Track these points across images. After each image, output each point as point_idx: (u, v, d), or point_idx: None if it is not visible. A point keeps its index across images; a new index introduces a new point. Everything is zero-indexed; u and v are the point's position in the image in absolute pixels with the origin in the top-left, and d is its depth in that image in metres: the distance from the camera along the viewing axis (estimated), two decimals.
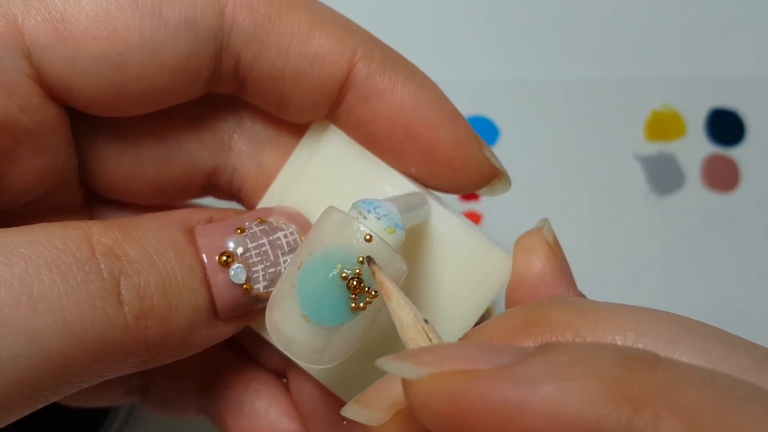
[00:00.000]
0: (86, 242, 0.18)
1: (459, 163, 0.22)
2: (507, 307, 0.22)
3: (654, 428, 0.13)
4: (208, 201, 0.27)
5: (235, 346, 0.26)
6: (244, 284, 0.21)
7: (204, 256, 0.20)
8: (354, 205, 0.19)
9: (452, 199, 0.37)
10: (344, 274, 0.18)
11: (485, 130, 0.39)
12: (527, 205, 0.37)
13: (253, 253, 0.21)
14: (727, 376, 0.14)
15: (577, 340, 0.16)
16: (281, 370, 0.25)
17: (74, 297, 0.17)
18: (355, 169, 0.23)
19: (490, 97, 0.39)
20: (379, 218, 0.18)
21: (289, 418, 0.25)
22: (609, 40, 0.40)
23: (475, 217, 0.38)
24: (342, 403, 0.23)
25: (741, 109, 0.39)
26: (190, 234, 0.21)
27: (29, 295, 0.17)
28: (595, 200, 0.38)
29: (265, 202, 0.24)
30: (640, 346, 0.15)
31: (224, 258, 0.21)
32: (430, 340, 0.17)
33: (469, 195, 0.37)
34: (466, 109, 0.38)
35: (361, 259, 0.18)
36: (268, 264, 0.21)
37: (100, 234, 0.19)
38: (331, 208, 0.19)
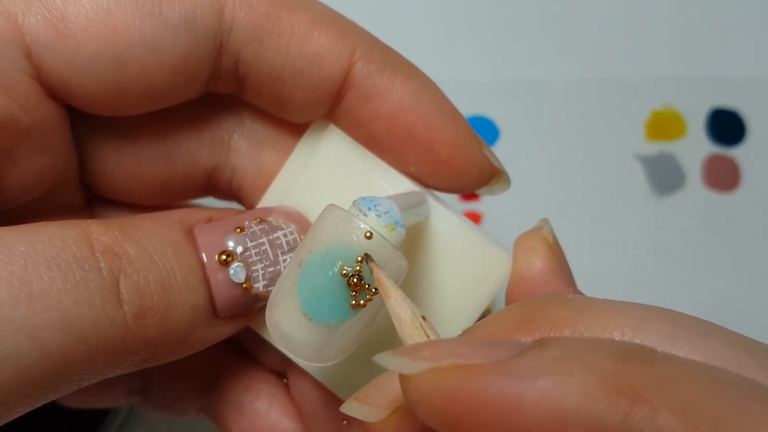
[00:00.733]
0: (86, 241, 0.18)
1: (458, 162, 0.22)
2: (507, 305, 0.22)
3: (651, 422, 0.13)
4: (208, 201, 0.27)
5: (235, 346, 0.26)
6: (243, 283, 0.21)
7: (203, 255, 0.20)
8: (354, 203, 0.19)
9: (452, 198, 0.37)
10: (345, 272, 0.18)
11: (485, 130, 0.39)
12: (527, 204, 0.37)
13: (252, 252, 0.21)
14: (724, 370, 0.14)
15: (575, 336, 0.16)
16: (281, 370, 0.25)
17: (73, 295, 0.17)
18: (354, 169, 0.23)
19: (490, 97, 0.39)
20: (379, 215, 0.18)
21: (289, 418, 0.25)
22: (609, 40, 0.40)
23: (475, 217, 0.38)
24: (341, 403, 0.23)
25: (741, 109, 0.39)
26: (190, 233, 0.21)
27: (28, 292, 0.17)
28: (595, 200, 0.38)
29: (265, 201, 0.24)
30: (638, 341, 0.15)
31: (224, 257, 0.21)
32: (428, 336, 0.17)
33: (469, 194, 0.37)
34: (466, 109, 0.38)
35: (360, 258, 0.18)
36: (267, 263, 0.21)
37: (100, 233, 0.19)
38: (331, 206, 0.19)
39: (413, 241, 0.22)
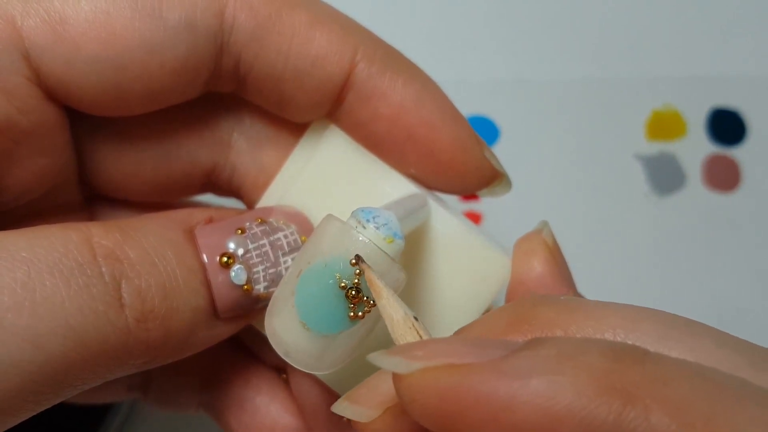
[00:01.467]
0: (87, 245, 0.18)
1: (459, 164, 0.22)
2: None
3: (643, 421, 0.13)
4: (208, 198, 0.27)
5: (235, 342, 0.26)
6: (244, 285, 0.21)
7: (204, 256, 0.20)
8: (353, 214, 0.19)
9: (452, 199, 0.37)
10: (343, 284, 0.18)
11: (485, 130, 0.39)
12: (527, 204, 0.37)
13: (253, 253, 0.21)
14: (716, 370, 0.14)
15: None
16: (282, 366, 0.26)
17: (76, 301, 0.17)
18: (355, 169, 0.23)
19: (490, 97, 0.39)
20: (378, 227, 0.18)
21: (290, 414, 0.25)
22: (609, 40, 0.40)
23: (475, 217, 0.38)
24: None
25: (742, 109, 0.39)
26: (191, 235, 0.21)
27: (32, 299, 0.17)
28: (595, 200, 0.38)
29: (265, 200, 0.24)
30: (630, 342, 0.15)
31: (225, 259, 0.21)
32: (420, 336, 0.17)
33: (470, 195, 0.37)
34: (466, 109, 0.38)
35: (357, 271, 0.18)
36: (268, 264, 0.21)
37: (101, 236, 0.19)
38: (329, 217, 0.19)
39: (413, 244, 0.22)
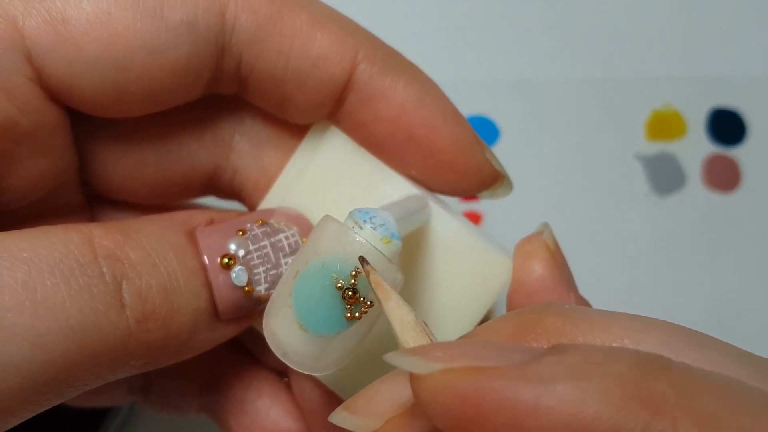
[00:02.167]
0: (88, 246, 0.18)
1: (460, 165, 0.22)
2: (508, 311, 0.22)
3: None
4: (210, 200, 0.27)
5: (236, 345, 0.26)
6: (245, 286, 0.21)
7: (205, 258, 0.20)
8: (350, 215, 0.19)
9: (452, 199, 0.37)
10: (339, 285, 0.18)
11: (485, 130, 0.39)
12: (527, 205, 0.37)
13: (254, 255, 0.21)
14: (742, 382, 0.14)
15: None
16: (283, 368, 0.26)
17: (77, 301, 0.17)
18: (356, 171, 0.23)
19: (490, 97, 0.39)
20: (375, 228, 0.18)
21: (291, 416, 0.25)
22: (609, 40, 0.40)
23: (475, 217, 0.38)
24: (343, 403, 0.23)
25: (742, 109, 0.39)
26: (192, 236, 0.21)
27: (33, 299, 0.17)
28: (595, 200, 0.38)
29: (267, 202, 0.24)
30: None
31: (226, 260, 0.21)
32: (431, 340, 0.17)
33: (470, 196, 0.37)
34: (466, 109, 0.38)
35: (354, 271, 0.18)
36: (269, 266, 0.21)
37: (102, 237, 0.19)
38: (327, 218, 0.19)
39: (414, 245, 0.22)
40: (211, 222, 0.22)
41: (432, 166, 0.22)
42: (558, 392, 0.13)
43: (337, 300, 0.18)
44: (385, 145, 0.22)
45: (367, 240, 0.18)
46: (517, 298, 0.21)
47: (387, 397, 0.16)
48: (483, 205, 0.38)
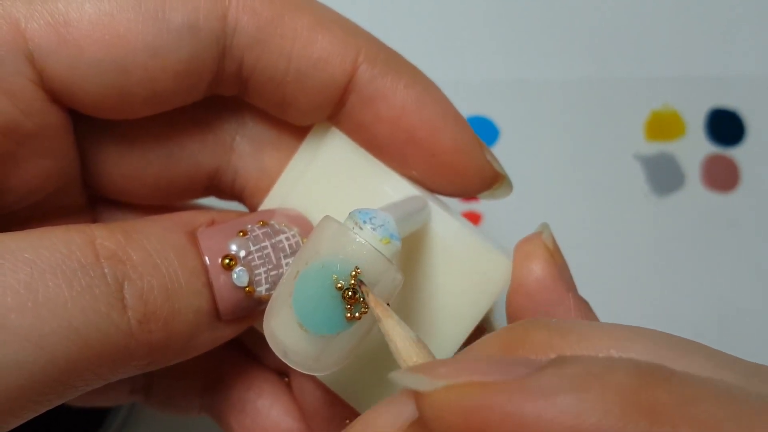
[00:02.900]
0: (90, 247, 0.18)
1: (460, 166, 0.22)
2: (507, 311, 0.22)
3: None
4: (211, 201, 0.27)
5: (237, 345, 0.26)
6: (246, 287, 0.21)
7: (207, 259, 0.20)
8: (350, 215, 0.19)
9: (452, 199, 0.37)
10: (339, 285, 0.18)
11: (485, 130, 0.39)
12: (527, 205, 0.37)
13: (255, 256, 0.21)
14: (742, 389, 0.14)
15: None
16: (283, 368, 0.26)
17: (79, 302, 0.17)
18: (356, 172, 0.23)
19: (490, 97, 0.39)
20: (374, 228, 0.18)
21: (291, 416, 0.25)
22: (609, 40, 0.40)
23: (474, 218, 0.38)
24: (343, 402, 0.23)
25: (741, 109, 0.39)
26: (193, 237, 0.21)
27: (35, 300, 0.17)
28: (595, 200, 0.38)
29: (267, 203, 0.24)
30: None
31: (227, 261, 0.21)
32: (431, 357, 0.17)
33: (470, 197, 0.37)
34: (466, 109, 0.38)
35: (354, 272, 0.18)
36: (270, 267, 0.21)
37: (104, 238, 0.19)
38: (327, 218, 0.19)
39: (413, 246, 0.22)
40: (212, 223, 0.22)
41: (432, 167, 0.22)
42: (559, 404, 0.13)
43: (337, 300, 0.18)
44: (385, 146, 0.22)
45: (367, 240, 0.18)
46: (516, 299, 0.21)
47: (386, 421, 0.16)
48: (483, 205, 0.38)
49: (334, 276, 0.18)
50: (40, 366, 0.17)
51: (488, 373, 0.14)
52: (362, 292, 0.18)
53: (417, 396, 0.15)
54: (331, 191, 0.23)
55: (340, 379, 0.23)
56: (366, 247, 0.18)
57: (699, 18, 0.40)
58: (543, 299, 0.21)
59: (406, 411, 0.16)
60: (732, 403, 0.13)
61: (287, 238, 0.22)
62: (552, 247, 0.21)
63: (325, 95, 0.21)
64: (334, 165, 0.23)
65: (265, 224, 0.22)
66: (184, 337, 0.20)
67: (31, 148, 0.20)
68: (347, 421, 0.24)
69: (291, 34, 0.21)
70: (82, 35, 0.19)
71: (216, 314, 0.21)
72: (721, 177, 0.39)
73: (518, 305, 0.21)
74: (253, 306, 0.21)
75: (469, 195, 0.23)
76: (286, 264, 0.21)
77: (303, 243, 0.22)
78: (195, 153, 0.23)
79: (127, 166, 0.23)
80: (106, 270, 0.18)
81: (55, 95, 0.20)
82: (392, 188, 0.22)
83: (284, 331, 0.18)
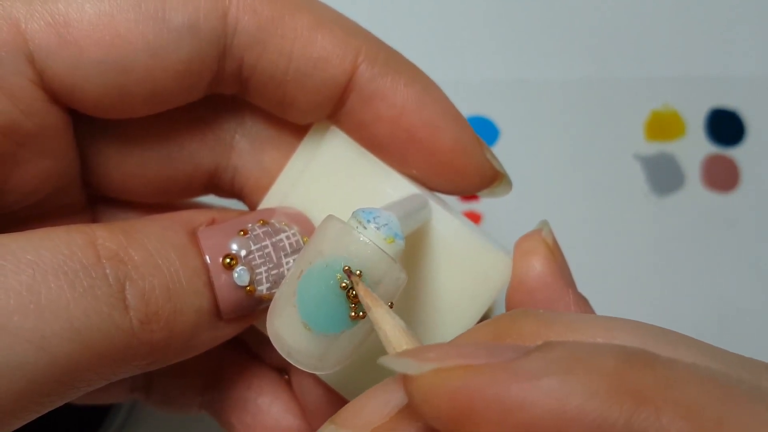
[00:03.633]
0: (92, 247, 0.18)
1: (460, 165, 0.22)
2: (507, 308, 0.22)
3: (655, 423, 0.13)
4: (210, 199, 0.27)
5: (238, 343, 0.26)
6: (247, 286, 0.21)
7: (207, 258, 0.21)
8: (353, 215, 0.19)
9: (452, 199, 0.37)
10: (344, 284, 0.18)
11: (485, 130, 0.39)
12: (527, 204, 0.37)
13: (256, 255, 0.21)
14: (726, 373, 0.14)
15: None
16: (284, 366, 0.26)
17: (81, 303, 0.18)
18: (356, 171, 0.23)
19: (490, 97, 0.39)
20: (378, 228, 0.18)
21: (292, 414, 0.25)
22: (609, 40, 0.40)
23: (475, 217, 0.38)
24: (343, 400, 0.23)
25: (741, 109, 0.39)
26: (194, 236, 0.21)
27: (37, 302, 0.17)
28: (595, 200, 0.38)
29: (267, 202, 0.24)
30: None
31: (227, 260, 0.21)
32: (420, 343, 0.17)
33: (470, 195, 0.37)
34: (466, 109, 0.38)
35: (359, 272, 0.18)
36: (271, 266, 0.21)
37: (105, 238, 0.19)
38: (330, 217, 0.19)
39: (414, 244, 0.22)
40: (213, 222, 0.22)
41: (433, 166, 0.22)
42: (544, 386, 0.13)
43: (342, 299, 0.18)
44: (385, 145, 0.22)
45: (371, 240, 0.18)
46: (516, 296, 0.21)
47: (374, 407, 0.17)
48: (483, 204, 0.38)
49: (338, 275, 0.18)
50: (43, 368, 0.17)
51: (475, 356, 0.14)
52: (353, 282, 0.18)
53: (405, 379, 0.15)
54: (331, 190, 0.23)
55: (341, 377, 0.23)
56: (370, 246, 0.18)
57: (699, 18, 0.40)
58: (543, 296, 0.21)
59: (395, 397, 0.16)
60: (715, 387, 0.13)
61: (287, 237, 0.22)
62: (552, 244, 0.21)
63: (325, 95, 0.21)
64: (333, 163, 0.23)
65: (265, 223, 0.22)
66: (186, 336, 0.20)
67: (32, 149, 0.20)
68: None
69: (291, 34, 0.21)
70: (82, 35, 0.19)
71: (217, 313, 0.21)
72: (721, 177, 0.39)
73: (518, 302, 0.21)
74: (253, 305, 0.21)
75: (468, 193, 0.23)
76: (287, 263, 0.21)
77: (303, 242, 0.22)
78: (194, 151, 0.23)
79: (126, 164, 0.23)
80: (107, 270, 0.18)
81: (55, 95, 0.20)
82: (392, 187, 0.23)
83: (288, 331, 0.18)
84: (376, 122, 0.22)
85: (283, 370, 0.26)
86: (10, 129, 0.20)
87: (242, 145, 0.24)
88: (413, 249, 0.22)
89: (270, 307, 0.19)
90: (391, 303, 0.19)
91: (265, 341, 0.25)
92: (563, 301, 0.21)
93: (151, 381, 0.26)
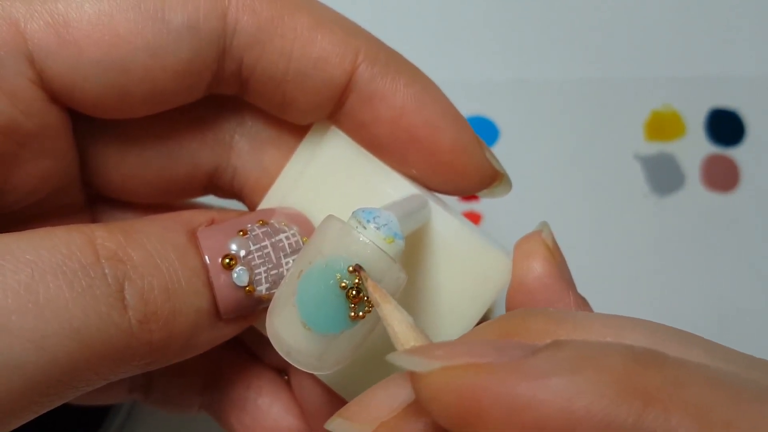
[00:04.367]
0: (90, 247, 0.18)
1: (460, 165, 0.22)
2: (507, 310, 0.22)
3: (664, 423, 0.13)
4: (210, 199, 0.27)
5: (237, 343, 0.26)
6: (246, 286, 0.21)
7: (207, 258, 0.21)
8: (353, 215, 0.19)
9: (452, 199, 0.37)
10: (343, 284, 0.18)
11: (485, 130, 0.39)
12: (527, 205, 0.37)
13: (255, 255, 0.21)
14: (736, 374, 0.14)
15: None
16: (283, 366, 0.26)
17: (80, 303, 0.18)
18: (355, 171, 0.23)
19: (490, 97, 0.39)
20: (378, 228, 0.18)
21: (291, 414, 0.25)
22: (609, 40, 0.40)
23: (474, 217, 0.38)
24: (343, 400, 0.23)
25: (741, 109, 0.39)
26: (193, 236, 0.21)
27: (36, 302, 0.17)
28: (595, 200, 0.38)
29: (267, 202, 0.24)
30: None
31: (227, 260, 0.21)
32: (430, 341, 0.17)
33: (469, 195, 0.37)
34: (466, 109, 0.38)
35: (351, 268, 0.18)
36: (270, 266, 0.21)
37: (104, 238, 0.19)
38: (330, 217, 0.19)
39: (414, 245, 0.22)
40: (212, 222, 0.22)
41: (432, 166, 0.22)
42: (552, 386, 0.13)
43: (341, 299, 0.18)
44: (385, 146, 0.22)
45: (371, 240, 0.18)
46: (516, 297, 0.21)
47: (381, 402, 0.17)
48: (483, 205, 0.38)
49: (338, 275, 0.18)
50: (42, 367, 0.17)
51: (484, 355, 0.14)
52: (361, 278, 0.18)
53: (413, 377, 0.15)
54: (331, 190, 0.23)
55: (340, 378, 0.23)
56: (370, 246, 0.18)
57: (699, 18, 0.40)
58: (543, 297, 0.21)
59: (402, 393, 0.16)
60: (724, 389, 0.13)
61: (287, 237, 0.22)
62: (552, 245, 0.21)
63: (324, 95, 0.21)
64: (333, 164, 0.23)
65: (264, 223, 0.22)
66: (185, 336, 0.20)
67: (31, 149, 0.20)
68: None
69: (291, 34, 0.21)
70: (81, 35, 0.19)
71: (216, 313, 0.21)
72: (721, 177, 0.39)
73: (518, 303, 0.21)
74: (253, 305, 0.21)
75: (468, 193, 0.23)
76: (286, 263, 0.21)
77: (303, 242, 0.22)
78: (194, 152, 0.23)
79: (126, 164, 0.23)
80: (106, 270, 0.18)
81: (54, 95, 0.20)
82: (392, 187, 0.22)
83: (288, 331, 0.18)
84: (376, 122, 0.22)
85: (282, 370, 0.26)
86: (10, 129, 0.20)
87: (242, 146, 0.24)
88: (413, 249, 0.22)
89: (270, 306, 0.19)
90: None
91: (265, 341, 0.25)
92: (563, 303, 0.21)
93: (151, 381, 0.26)
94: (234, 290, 0.21)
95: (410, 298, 0.23)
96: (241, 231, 0.21)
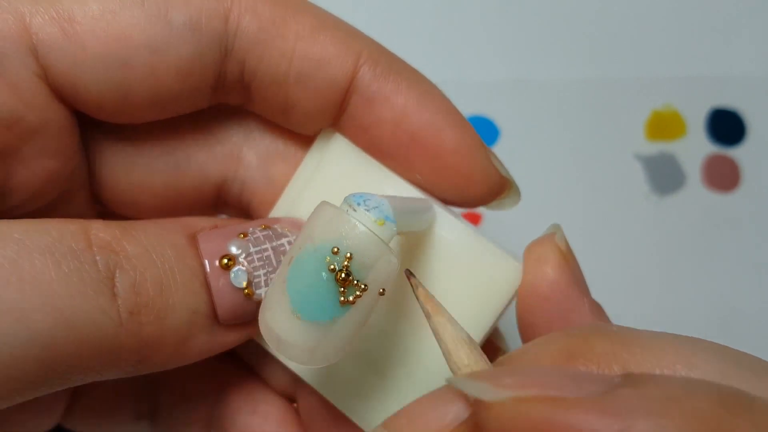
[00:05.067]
0: (83, 235, 0.18)
1: (465, 168, 0.22)
2: (519, 316, 0.21)
3: None
4: None
5: (243, 368, 0.26)
6: (245, 288, 0.21)
7: (205, 261, 0.20)
8: (345, 199, 0.18)
9: None
10: (332, 267, 0.17)
11: (485, 130, 0.39)
12: (527, 205, 0.37)
13: (255, 257, 0.21)
14: None
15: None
16: (291, 393, 0.25)
17: (65, 282, 0.17)
18: (361, 177, 0.22)
19: (490, 97, 0.39)
20: (368, 210, 0.18)
21: None
22: (609, 40, 0.40)
23: (474, 218, 0.38)
24: (352, 425, 0.22)
25: (741, 109, 0.39)
26: (193, 239, 0.21)
27: (19, 276, 0.17)
28: (595, 200, 0.38)
29: (274, 214, 0.24)
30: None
31: (225, 261, 0.20)
32: (486, 360, 0.16)
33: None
34: (466, 110, 0.38)
35: (349, 254, 0.17)
36: (270, 269, 0.21)
37: (99, 230, 0.19)
38: (323, 203, 0.18)
39: (420, 251, 0.22)
40: (215, 227, 0.22)
41: (436, 169, 0.22)
42: (638, 429, 0.13)
43: (331, 283, 0.17)
44: (389, 148, 0.22)
45: (361, 221, 0.18)
46: (528, 304, 0.21)
47: (430, 416, 0.16)
48: None
49: (327, 258, 0.17)
50: (22, 342, 0.17)
51: (559, 387, 0.14)
52: (412, 285, 0.17)
53: (479, 405, 0.14)
54: (337, 197, 0.23)
55: (349, 399, 0.23)
56: (359, 227, 0.17)
57: (699, 18, 0.40)
58: (557, 304, 0.20)
59: (452, 410, 0.16)
60: None
61: (289, 242, 0.21)
62: (565, 249, 0.21)
63: (327, 96, 0.21)
64: (338, 171, 0.23)
65: (267, 228, 0.22)
66: (179, 335, 0.20)
67: (34, 145, 0.20)
68: None
69: (292, 35, 0.21)
70: (85, 31, 0.19)
71: (214, 317, 0.21)
72: (722, 177, 0.39)
73: (531, 310, 0.21)
74: (252, 309, 0.21)
75: (476, 203, 0.23)
76: None
77: None
78: (202, 163, 0.23)
79: (134, 176, 0.23)
80: (97, 257, 0.18)
81: (58, 91, 0.20)
82: (396, 193, 0.22)
83: (279, 321, 0.18)
84: (379, 125, 0.22)
85: (290, 397, 0.26)
86: (11, 121, 0.20)
87: (250, 158, 0.24)
88: (420, 256, 0.22)
89: (263, 301, 0.19)
90: (383, 290, 0.18)
91: (272, 366, 0.25)
92: (578, 311, 0.20)
93: (157, 407, 0.26)
94: (232, 292, 0.20)
95: (419, 306, 0.22)
96: (241, 234, 0.21)
